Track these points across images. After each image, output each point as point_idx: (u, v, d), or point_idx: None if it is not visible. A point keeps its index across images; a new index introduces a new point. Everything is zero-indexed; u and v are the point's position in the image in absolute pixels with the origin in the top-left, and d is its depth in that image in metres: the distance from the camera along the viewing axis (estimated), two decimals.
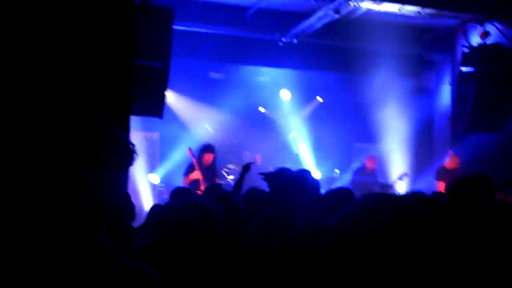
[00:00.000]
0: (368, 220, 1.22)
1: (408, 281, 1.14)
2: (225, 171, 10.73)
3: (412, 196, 3.41)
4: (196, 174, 8.40)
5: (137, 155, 1.38)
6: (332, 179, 11.65)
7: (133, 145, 1.38)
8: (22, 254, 1.24)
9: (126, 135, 1.42)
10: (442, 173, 9.37)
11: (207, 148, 8.77)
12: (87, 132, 1.29)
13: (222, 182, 9.36)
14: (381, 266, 1.15)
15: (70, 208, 1.26)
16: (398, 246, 1.16)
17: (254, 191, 4.39)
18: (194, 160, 8.57)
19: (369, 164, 10.46)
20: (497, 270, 2.27)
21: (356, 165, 11.43)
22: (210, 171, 8.60)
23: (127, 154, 1.36)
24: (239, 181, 5.83)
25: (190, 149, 8.76)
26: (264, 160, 11.55)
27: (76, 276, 1.24)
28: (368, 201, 1.28)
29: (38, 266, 1.23)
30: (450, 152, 9.66)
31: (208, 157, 8.64)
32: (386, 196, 1.28)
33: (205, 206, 2.46)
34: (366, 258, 1.17)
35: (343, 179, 11.79)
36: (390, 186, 10.01)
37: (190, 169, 8.57)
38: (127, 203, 3.20)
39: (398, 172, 10.73)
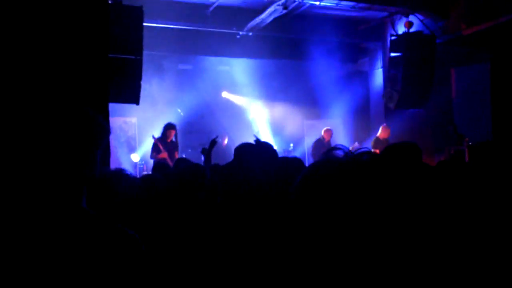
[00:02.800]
0: (314, 176, 1.21)
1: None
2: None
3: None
4: (163, 154, 8.64)
5: (110, 134, 1.44)
6: (288, 151, 11.76)
7: (108, 127, 1.46)
8: (16, 215, 1.28)
9: (104, 119, 1.46)
10: (376, 143, 9.56)
11: (169, 125, 8.98)
12: (73, 119, 1.35)
13: (183, 155, 9.52)
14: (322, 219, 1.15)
15: (60, 179, 1.31)
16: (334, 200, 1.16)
17: (217, 166, 4.37)
18: (157, 143, 8.77)
19: (326, 136, 10.51)
20: (420, 227, 2.30)
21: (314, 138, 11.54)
22: (172, 146, 8.88)
23: (105, 135, 1.44)
24: (208, 154, 5.86)
25: (153, 136, 8.93)
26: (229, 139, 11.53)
27: (63, 236, 1.28)
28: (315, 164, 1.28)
29: (31, 226, 1.27)
30: (384, 125, 9.82)
31: (169, 133, 8.88)
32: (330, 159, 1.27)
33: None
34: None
35: (297, 151, 11.94)
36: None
37: (155, 149, 8.76)
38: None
39: (353, 145, 10.84)
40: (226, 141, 10.72)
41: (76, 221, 1.31)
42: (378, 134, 9.65)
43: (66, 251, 1.25)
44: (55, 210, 1.30)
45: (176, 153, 8.96)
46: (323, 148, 9.93)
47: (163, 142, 8.82)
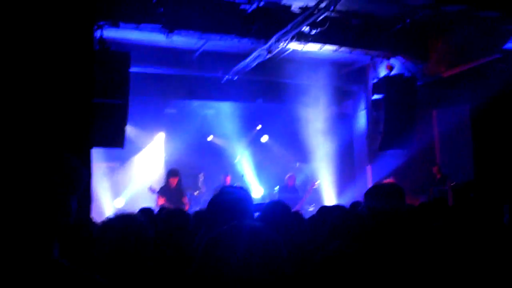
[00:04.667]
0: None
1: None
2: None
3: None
4: (161, 200, 8.31)
5: (87, 179, 1.39)
6: (273, 195, 11.68)
7: (86, 172, 1.38)
8: None
9: (85, 164, 1.42)
10: None
11: (170, 172, 8.74)
12: (46, 162, 1.29)
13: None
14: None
15: (29, 227, 1.24)
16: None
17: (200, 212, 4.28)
18: (155, 194, 8.46)
19: (289, 182, 10.53)
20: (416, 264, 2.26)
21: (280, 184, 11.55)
22: (176, 193, 8.49)
23: (81, 180, 1.37)
24: None
25: (150, 188, 8.65)
26: (213, 182, 11.42)
27: (33, 285, 1.21)
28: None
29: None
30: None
31: (172, 180, 8.57)
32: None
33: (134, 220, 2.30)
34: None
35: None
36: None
37: (157, 198, 8.46)
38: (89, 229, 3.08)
39: (314, 183, 10.86)
40: (228, 181, 10.50)
41: (45, 273, 1.24)
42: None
43: None
44: (23, 261, 1.23)
45: (183, 198, 8.61)
46: (287, 193, 9.97)
47: (166, 191, 8.45)
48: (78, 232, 2.56)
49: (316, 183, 10.68)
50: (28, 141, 1.35)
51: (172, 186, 8.53)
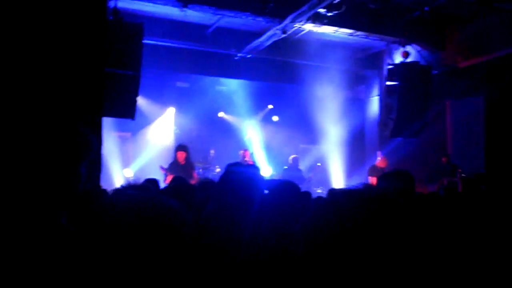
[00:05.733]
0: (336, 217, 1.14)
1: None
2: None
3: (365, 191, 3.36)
4: (169, 178, 7.90)
5: (97, 148, 1.37)
6: (277, 175, 11.70)
7: (97, 140, 1.38)
8: None
9: (95, 132, 1.41)
10: (372, 170, 9.49)
11: (178, 147, 8.53)
12: (55, 130, 1.28)
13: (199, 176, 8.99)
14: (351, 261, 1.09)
15: (39, 193, 1.24)
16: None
17: (207, 182, 4.24)
18: (166, 172, 8.30)
19: (293, 163, 10.51)
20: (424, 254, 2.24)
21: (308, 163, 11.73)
22: (184, 168, 8.22)
23: (90, 149, 1.35)
24: None
25: (161, 166, 8.47)
26: (223, 159, 11.44)
27: (38, 252, 1.21)
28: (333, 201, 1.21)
29: (8, 244, 1.20)
30: (380, 153, 9.78)
31: (180, 155, 8.34)
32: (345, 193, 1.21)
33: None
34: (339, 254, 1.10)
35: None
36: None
37: (165, 176, 8.28)
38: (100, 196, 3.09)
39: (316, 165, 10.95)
40: (247, 157, 10.43)
41: (53, 237, 1.24)
42: (377, 162, 9.62)
43: (40, 268, 1.19)
44: (32, 226, 1.22)
45: (193, 173, 8.45)
46: (291, 172, 9.99)
47: (175, 167, 8.24)
48: (87, 200, 2.57)
49: (318, 164, 10.75)
50: (39, 108, 1.33)
51: (181, 162, 8.36)
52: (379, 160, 9.60)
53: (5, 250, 1.18)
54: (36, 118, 1.28)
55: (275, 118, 13.15)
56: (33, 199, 1.23)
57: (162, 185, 8.44)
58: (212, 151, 11.40)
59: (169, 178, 8.11)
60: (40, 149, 1.24)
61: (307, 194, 4.11)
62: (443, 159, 9.58)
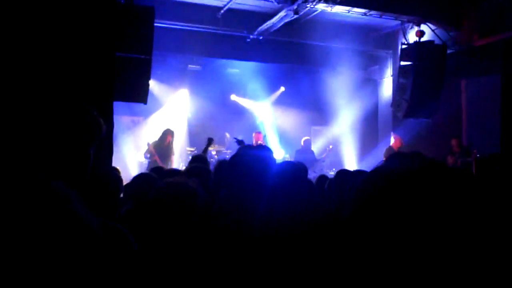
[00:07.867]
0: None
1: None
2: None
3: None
4: (151, 149, 9.16)
5: (106, 131, 1.37)
6: (289, 157, 11.71)
7: (103, 123, 1.39)
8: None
9: (106, 116, 1.41)
10: (388, 152, 9.42)
11: (169, 130, 9.41)
12: (64, 113, 1.29)
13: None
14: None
15: (47, 172, 1.23)
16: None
17: (222, 163, 4.26)
18: (150, 147, 9.19)
19: (305, 145, 10.51)
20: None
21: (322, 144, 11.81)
22: (167, 150, 9.25)
23: (98, 132, 1.36)
24: (204, 151, 6.93)
25: (148, 143, 9.32)
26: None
27: (48, 232, 1.20)
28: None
29: (16, 223, 1.20)
30: (395, 134, 9.69)
31: (169, 138, 9.29)
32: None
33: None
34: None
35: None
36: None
37: (148, 152, 9.28)
38: (116, 178, 3.11)
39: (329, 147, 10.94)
40: (261, 140, 10.43)
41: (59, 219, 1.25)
42: (392, 143, 9.53)
43: (53, 247, 1.20)
44: (37, 207, 1.23)
45: (172, 156, 9.42)
46: (303, 154, 10.01)
47: (160, 146, 9.16)
48: (98, 182, 2.59)
49: (330, 147, 10.75)
50: (50, 92, 1.33)
51: (166, 143, 9.23)
52: (395, 142, 9.53)
53: (12, 232, 1.19)
54: (47, 102, 1.28)
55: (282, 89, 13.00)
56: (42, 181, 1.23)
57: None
58: (227, 134, 11.44)
59: (151, 149, 9.09)
60: (50, 130, 1.25)
61: (323, 177, 4.11)
62: (453, 141, 9.46)
